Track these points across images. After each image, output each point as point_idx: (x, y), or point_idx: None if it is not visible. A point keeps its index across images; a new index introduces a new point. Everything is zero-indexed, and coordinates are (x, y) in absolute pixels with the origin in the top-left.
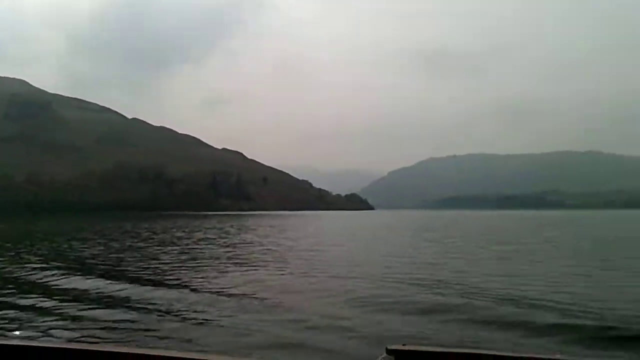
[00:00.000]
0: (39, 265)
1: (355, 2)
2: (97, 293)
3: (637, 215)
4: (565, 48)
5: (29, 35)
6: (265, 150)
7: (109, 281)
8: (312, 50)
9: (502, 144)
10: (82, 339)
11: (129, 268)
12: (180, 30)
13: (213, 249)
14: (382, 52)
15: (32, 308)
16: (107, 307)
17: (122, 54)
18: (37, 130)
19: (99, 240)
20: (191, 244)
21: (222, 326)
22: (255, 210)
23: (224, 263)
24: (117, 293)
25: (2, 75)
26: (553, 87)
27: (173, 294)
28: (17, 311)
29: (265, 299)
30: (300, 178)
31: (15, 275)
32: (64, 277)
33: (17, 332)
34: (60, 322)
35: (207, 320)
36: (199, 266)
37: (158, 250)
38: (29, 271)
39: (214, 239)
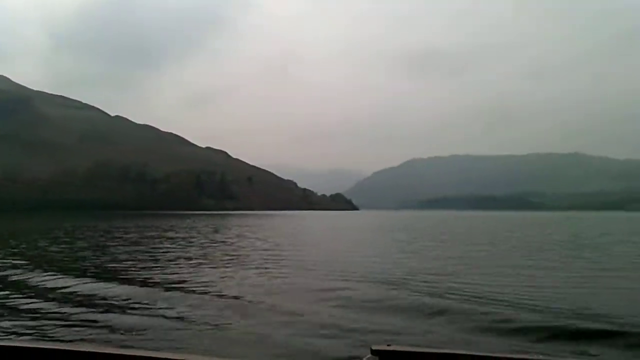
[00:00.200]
0: None
1: (340, 2)
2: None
3: (616, 217)
4: (549, 51)
5: (11, 31)
6: (251, 149)
7: (57, 276)
8: (298, 50)
9: (486, 145)
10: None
11: (83, 264)
12: (165, 28)
13: (176, 248)
14: (366, 53)
15: None
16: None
17: (106, 51)
18: (18, 128)
19: (65, 239)
20: (156, 244)
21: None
22: (239, 209)
23: (181, 262)
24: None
25: None
26: (537, 88)
27: (106, 287)
28: None
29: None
30: (286, 178)
31: None
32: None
33: None
34: None
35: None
36: (153, 265)
37: (120, 249)
38: None
39: (184, 238)
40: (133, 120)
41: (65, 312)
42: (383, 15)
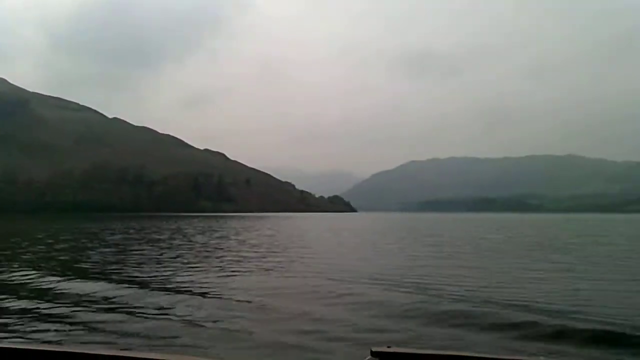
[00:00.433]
0: None
1: (339, 2)
2: None
3: (610, 219)
4: (548, 51)
5: (7, 32)
6: (249, 151)
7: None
8: (296, 51)
9: (485, 147)
10: None
11: (52, 263)
12: (163, 29)
13: (151, 250)
14: (365, 53)
15: None
16: None
17: (103, 52)
18: (15, 130)
19: (47, 240)
20: (135, 245)
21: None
22: (237, 212)
23: (150, 263)
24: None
25: None
26: (536, 89)
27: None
28: None
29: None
30: (285, 179)
31: None
32: None
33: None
34: None
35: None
36: (120, 268)
37: (96, 250)
38: None
39: (164, 240)
40: (130, 121)
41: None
42: (382, 15)
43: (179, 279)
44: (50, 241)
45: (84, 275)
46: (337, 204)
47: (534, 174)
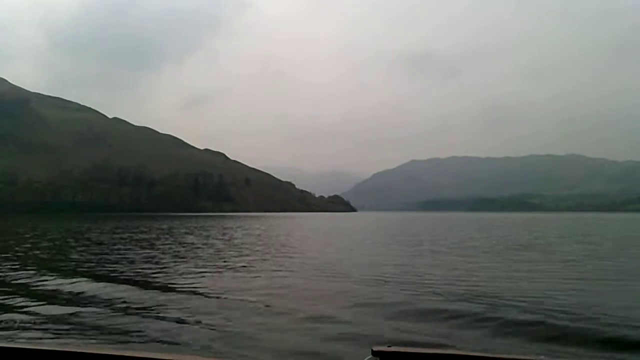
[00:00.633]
0: None
1: (338, 2)
2: None
3: (609, 218)
4: (549, 51)
5: (8, 32)
6: (249, 151)
7: None
8: (296, 51)
9: (485, 146)
10: None
11: (27, 261)
12: (163, 30)
13: (133, 249)
14: (365, 53)
15: None
16: None
17: (103, 52)
18: (15, 130)
19: (31, 240)
20: (118, 244)
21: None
22: (237, 211)
23: (122, 262)
24: None
25: None
26: (537, 89)
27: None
28: None
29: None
30: (286, 179)
31: None
32: None
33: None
34: None
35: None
36: (93, 266)
37: (79, 249)
38: None
39: (149, 239)
40: (131, 122)
41: None
42: (382, 15)
43: (148, 278)
44: (35, 240)
45: (57, 270)
46: (337, 204)
47: (535, 174)
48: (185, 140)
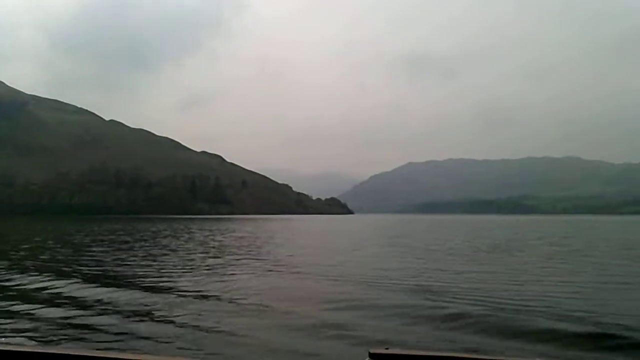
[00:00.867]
0: None
1: (337, 3)
2: None
3: (600, 221)
4: (547, 52)
5: (6, 33)
6: (246, 153)
7: None
8: (294, 53)
9: (483, 148)
10: None
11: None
12: (161, 31)
13: (109, 250)
14: (363, 55)
15: None
16: None
17: (101, 54)
18: (12, 132)
19: (12, 242)
20: (96, 246)
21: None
22: (233, 214)
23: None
24: None
25: None
26: (534, 91)
27: None
28: None
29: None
30: (283, 181)
31: None
32: None
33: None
34: None
35: None
36: (65, 265)
37: (56, 250)
38: None
39: (130, 242)
40: (128, 124)
41: None
42: (381, 17)
43: (108, 278)
44: (15, 241)
45: (26, 271)
46: (334, 206)
47: (532, 176)
48: (183, 143)
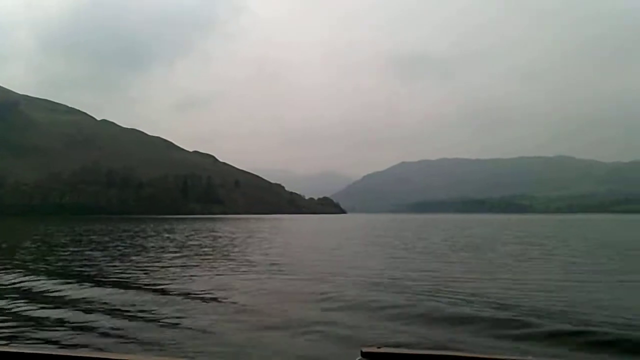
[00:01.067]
0: None
1: (332, 4)
2: None
3: (588, 219)
4: (539, 54)
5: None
6: (240, 153)
7: None
8: (289, 53)
9: (476, 148)
10: None
11: None
12: (155, 31)
13: (83, 250)
14: (357, 56)
15: None
16: None
17: (94, 54)
18: (4, 132)
19: None
20: (71, 246)
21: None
22: (226, 214)
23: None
24: None
25: None
26: (526, 92)
27: None
28: None
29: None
30: (276, 181)
31: None
32: None
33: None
34: None
35: None
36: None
37: (29, 249)
38: None
39: (106, 242)
40: (120, 124)
41: None
42: (376, 17)
43: (76, 277)
44: None
45: None
46: (326, 206)
47: (524, 175)
48: (175, 143)
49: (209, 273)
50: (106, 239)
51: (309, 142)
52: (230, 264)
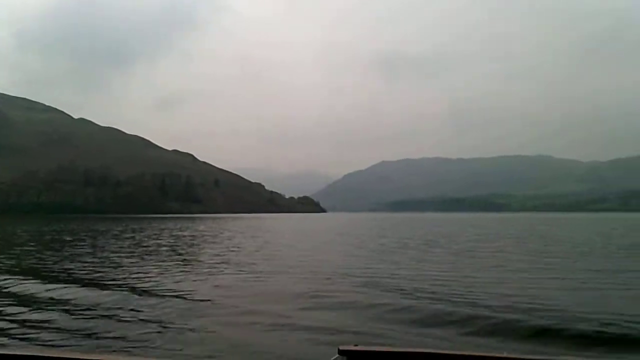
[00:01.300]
0: None
1: (315, 5)
2: None
3: (561, 218)
4: (521, 56)
5: None
6: (221, 152)
7: None
8: (272, 53)
9: (456, 148)
10: None
11: None
12: (136, 29)
13: (36, 250)
14: (341, 56)
15: None
16: None
17: (73, 52)
18: None
19: None
20: (26, 246)
21: None
22: (205, 213)
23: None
24: None
25: None
26: (508, 92)
27: None
28: None
29: None
30: (257, 180)
31: None
32: None
33: None
34: None
35: None
36: None
37: None
38: None
39: (69, 241)
40: (98, 122)
41: None
42: (359, 18)
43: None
44: None
45: None
46: (306, 205)
47: (504, 174)
48: (154, 142)
49: (155, 272)
50: (68, 238)
51: (290, 141)
52: (182, 263)
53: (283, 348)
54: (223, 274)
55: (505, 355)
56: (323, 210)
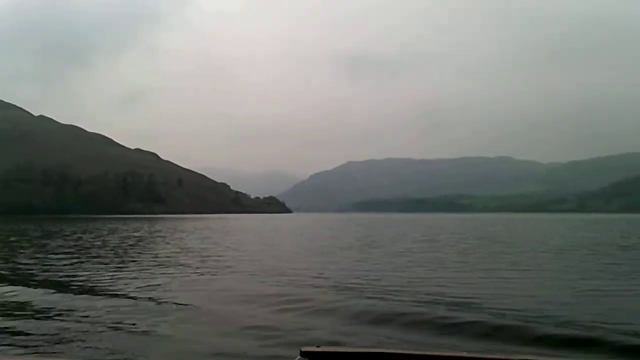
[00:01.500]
0: None
1: (283, 2)
2: None
3: (516, 219)
4: (484, 58)
5: None
6: (185, 151)
7: None
8: (238, 50)
9: (420, 148)
10: None
11: None
12: (96, 24)
13: None
14: (307, 55)
15: None
16: None
17: (32, 46)
18: None
19: None
20: None
21: None
22: (168, 213)
23: None
24: None
25: None
26: (471, 94)
27: None
28: None
29: None
30: (222, 180)
31: None
32: None
33: None
34: None
35: None
36: None
37: None
38: None
39: (13, 241)
40: (58, 120)
41: None
42: (327, 17)
43: None
44: None
45: None
46: (272, 205)
47: (466, 176)
48: (116, 140)
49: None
50: (13, 238)
51: (255, 141)
52: (120, 264)
53: (245, 349)
54: (160, 274)
55: (464, 354)
56: (289, 211)
